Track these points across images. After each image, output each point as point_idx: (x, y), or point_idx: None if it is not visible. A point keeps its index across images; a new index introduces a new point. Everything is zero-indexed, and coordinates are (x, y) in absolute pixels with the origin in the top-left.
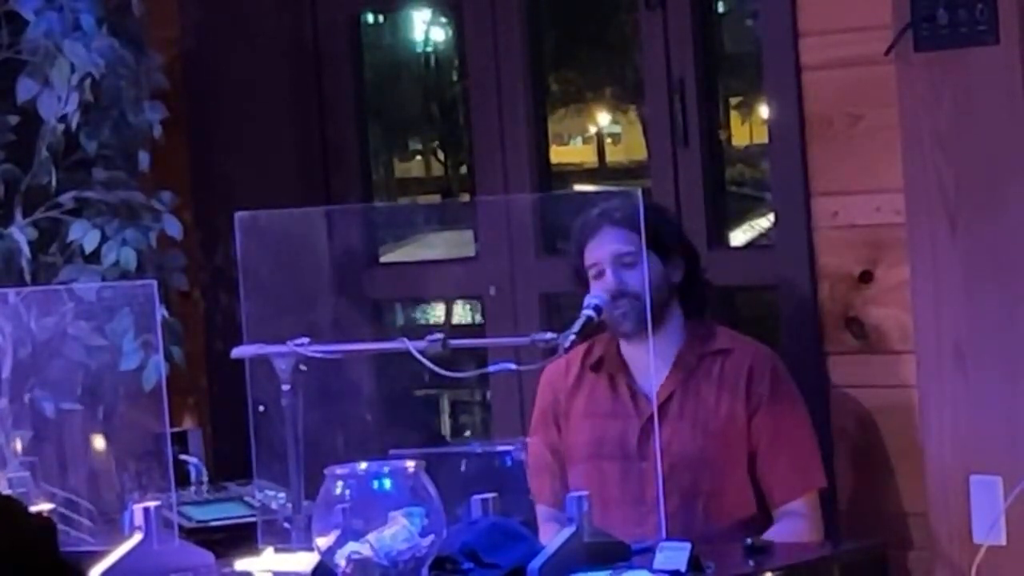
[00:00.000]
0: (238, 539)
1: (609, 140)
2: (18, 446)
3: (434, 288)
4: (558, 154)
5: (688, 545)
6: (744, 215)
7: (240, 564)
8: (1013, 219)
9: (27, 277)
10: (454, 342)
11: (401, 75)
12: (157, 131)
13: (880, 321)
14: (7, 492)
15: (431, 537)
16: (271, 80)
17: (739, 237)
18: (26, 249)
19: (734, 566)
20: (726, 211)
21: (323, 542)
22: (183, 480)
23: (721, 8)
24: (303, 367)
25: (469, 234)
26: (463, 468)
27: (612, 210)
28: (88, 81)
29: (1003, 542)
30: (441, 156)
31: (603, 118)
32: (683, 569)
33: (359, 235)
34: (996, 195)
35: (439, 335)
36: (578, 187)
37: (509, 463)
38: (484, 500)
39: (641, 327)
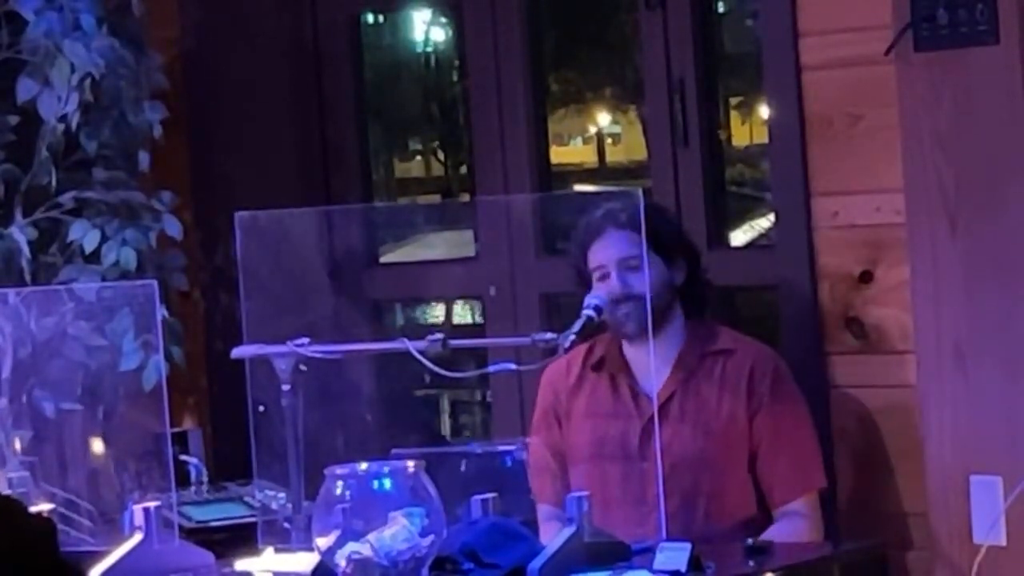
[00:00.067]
0: (238, 539)
1: (609, 140)
2: (18, 446)
3: (434, 288)
4: (558, 154)
5: (688, 545)
6: (744, 215)
7: (240, 564)
8: (1013, 219)
9: (27, 277)
10: (454, 342)
11: (401, 75)
12: (157, 131)
13: (880, 321)
14: (7, 492)
15: (431, 537)
16: (271, 80)
17: (739, 237)
18: (26, 249)
19: (734, 566)
20: (726, 211)
21: (323, 542)
22: (183, 480)
23: (721, 8)
24: (303, 367)
25: (469, 234)
26: (463, 468)
27: (617, 212)
28: (88, 81)
29: (1003, 542)
30: (441, 156)
31: (603, 118)
32: (683, 569)
33: (359, 235)
34: (996, 195)
35: (439, 335)
36: (578, 187)
37: (509, 463)
38: (484, 500)
39: (645, 329)
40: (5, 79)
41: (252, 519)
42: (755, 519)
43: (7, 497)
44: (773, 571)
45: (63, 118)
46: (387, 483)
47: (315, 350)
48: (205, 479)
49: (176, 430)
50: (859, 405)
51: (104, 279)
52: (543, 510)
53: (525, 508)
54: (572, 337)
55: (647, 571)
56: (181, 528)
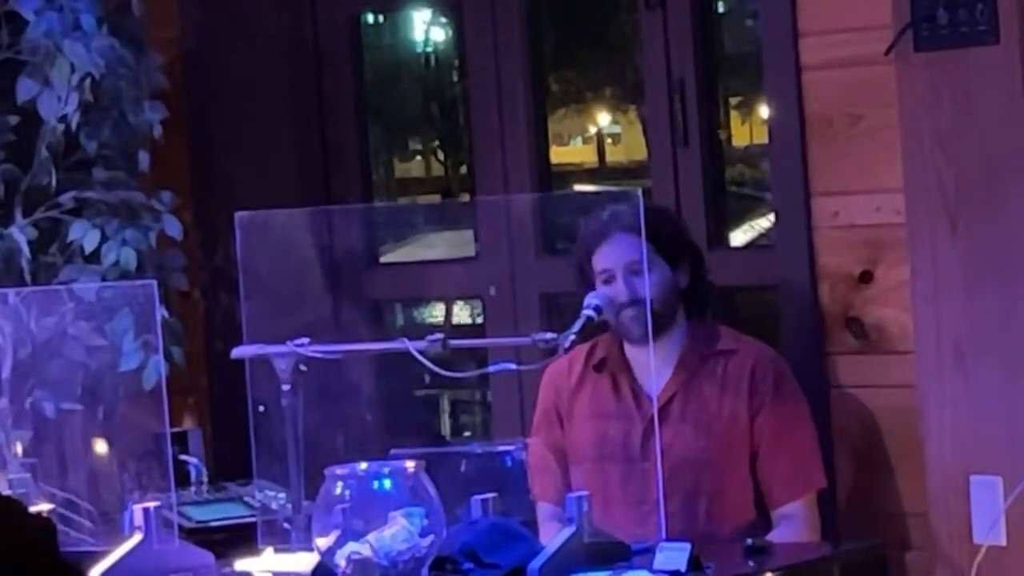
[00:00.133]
0: (238, 539)
1: (609, 140)
2: (18, 446)
3: (434, 288)
4: (558, 154)
5: (688, 545)
6: (744, 215)
7: (240, 564)
8: (1013, 219)
9: (27, 277)
10: (454, 342)
11: (401, 75)
12: (157, 131)
13: (880, 321)
14: (7, 492)
15: (431, 537)
16: (271, 80)
17: (739, 237)
18: (26, 249)
19: (734, 566)
20: (726, 211)
21: (323, 542)
22: (183, 480)
23: (721, 8)
24: (303, 367)
25: (469, 234)
26: (463, 468)
27: (624, 215)
28: (88, 81)
29: (1003, 542)
30: (441, 156)
31: (603, 118)
32: (683, 569)
33: (359, 235)
34: (996, 195)
35: (439, 335)
36: (578, 187)
37: (509, 463)
38: (484, 500)
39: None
40: (5, 79)
41: (252, 519)
42: (756, 520)
43: (7, 497)
44: (773, 571)
45: (63, 118)
46: (387, 483)
47: (315, 350)
48: (205, 479)
49: (176, 430)
50: (859, 405)
51: (104, 279)
52: (543, 509)
53: (525, 508)
54: (572, 337)
55: (647, 571)
56: (181, 528)
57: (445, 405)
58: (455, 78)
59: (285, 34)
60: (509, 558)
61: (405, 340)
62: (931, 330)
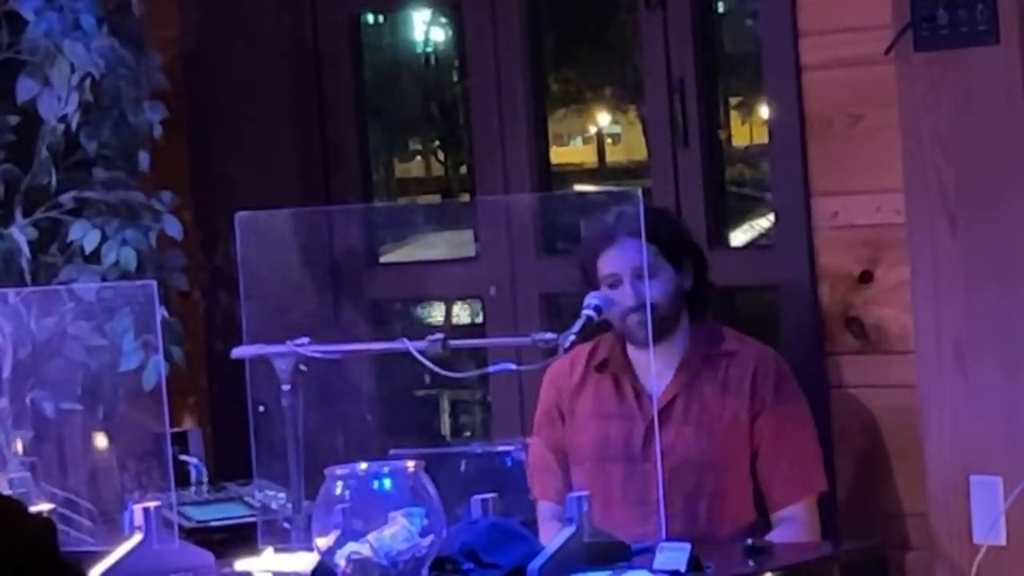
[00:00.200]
0: (238, 539)
1: (609, 140)
2: (18, 446)
3: (434, 288)
4: (558, 154)
5: (688, 545)
6: (744, 215)
7: (240, 564)
8: (1013, 219)
9: (27, 277)
10: (454, 342)
11: (401, 75)
12: (157, 131)
13: (880, 321)
14: (7, 492)
15: (431, 537)
16: (271, 80)
17: (739, 237)
18: (26, 249)
19: (734, 566)
20: (726, 211)
21: (323, 542)
22: (183, 480)
23: (721, 8)
24: (303, 367)
25: (469, 234)
26: (463, 468)
27: (630, 219)
28: (88, 81)
29: (1003, 542)
30: (441, 156)
31: (603, 118)
32: (683, 569)
33: (359, 235)
34: (996, 195)
35: (439, 335)
36: (578, 187)
37: (509, 463)
38: (484, 500)
39: (655, 335)
40: (5, 79)
41: (252, 519)
42: (756, 520)
43: (7, 497)
44: (773, 571)
45: (63, 118)
46: (387, 483)
47: (315, 350)
48: (205, 479)
49: (176, 430)
50: (859, 405)
51: (104, 279)
52: (544, 508)
53: (525, 508)
54: (572, 337)
55: (647, 571)
56: (181, 528)
57: (445, 405)
58: (455, 78)
59: (285, 34)
60: (509, 558)
61: (405, 340)
62: (931, 330)
